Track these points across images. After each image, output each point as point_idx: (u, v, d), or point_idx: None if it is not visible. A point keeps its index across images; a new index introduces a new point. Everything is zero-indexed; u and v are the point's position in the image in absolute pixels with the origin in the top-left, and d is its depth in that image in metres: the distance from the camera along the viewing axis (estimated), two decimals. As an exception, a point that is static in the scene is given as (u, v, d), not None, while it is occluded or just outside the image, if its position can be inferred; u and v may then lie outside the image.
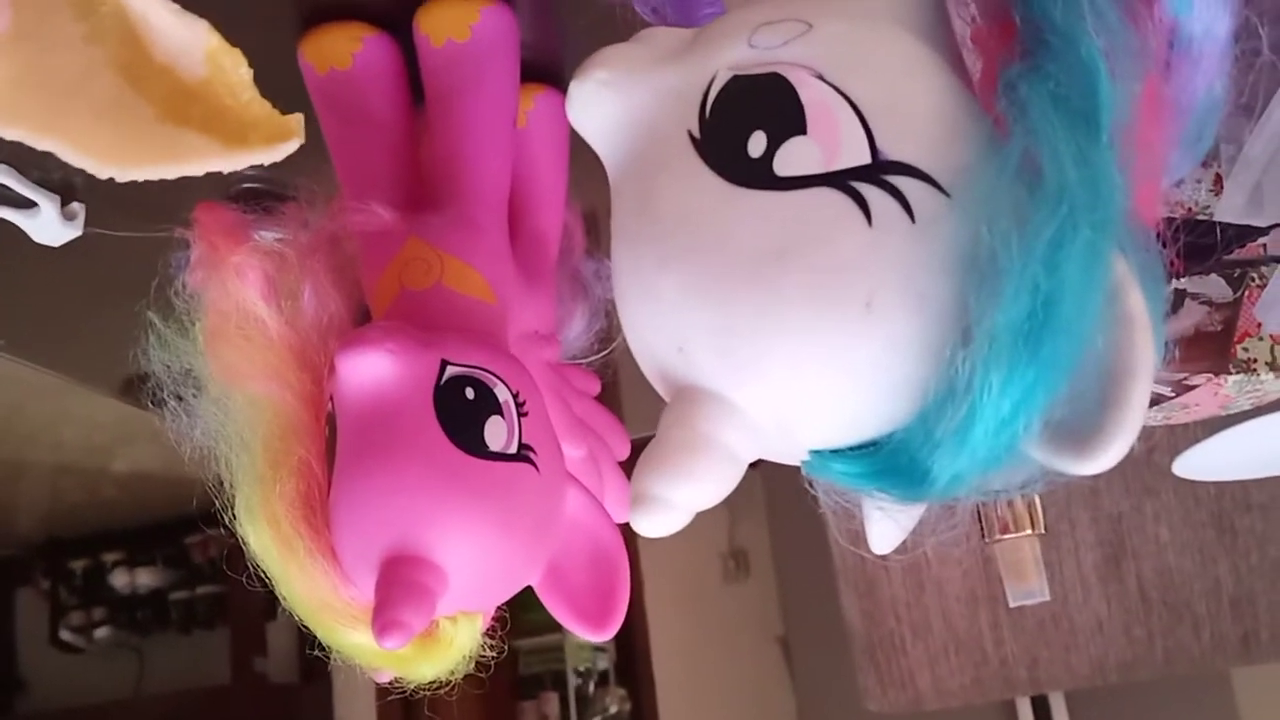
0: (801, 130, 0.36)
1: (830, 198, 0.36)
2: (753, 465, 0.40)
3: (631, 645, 3.86)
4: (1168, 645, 1.57)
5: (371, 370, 0.55)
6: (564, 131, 0.75)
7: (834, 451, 0.39)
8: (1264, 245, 0.71)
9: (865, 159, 0.36)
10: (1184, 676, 1.61)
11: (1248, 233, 0.52)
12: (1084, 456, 0.34)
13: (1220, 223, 0.54)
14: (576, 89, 0.41)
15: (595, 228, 0.82)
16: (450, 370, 0.56)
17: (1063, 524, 1.55)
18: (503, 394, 0.57)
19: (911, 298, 0.35)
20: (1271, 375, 0.83)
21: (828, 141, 0.36)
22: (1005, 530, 0.95)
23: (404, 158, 0.68)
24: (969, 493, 0.37)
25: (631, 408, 0.86)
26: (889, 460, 0.37)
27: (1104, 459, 0.33)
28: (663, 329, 0.38)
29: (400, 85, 0.69)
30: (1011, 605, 0.99)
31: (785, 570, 3.20)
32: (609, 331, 0.82)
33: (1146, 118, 0.37)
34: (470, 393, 0.56)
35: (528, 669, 3.98)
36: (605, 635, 0.62)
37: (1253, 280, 0.78)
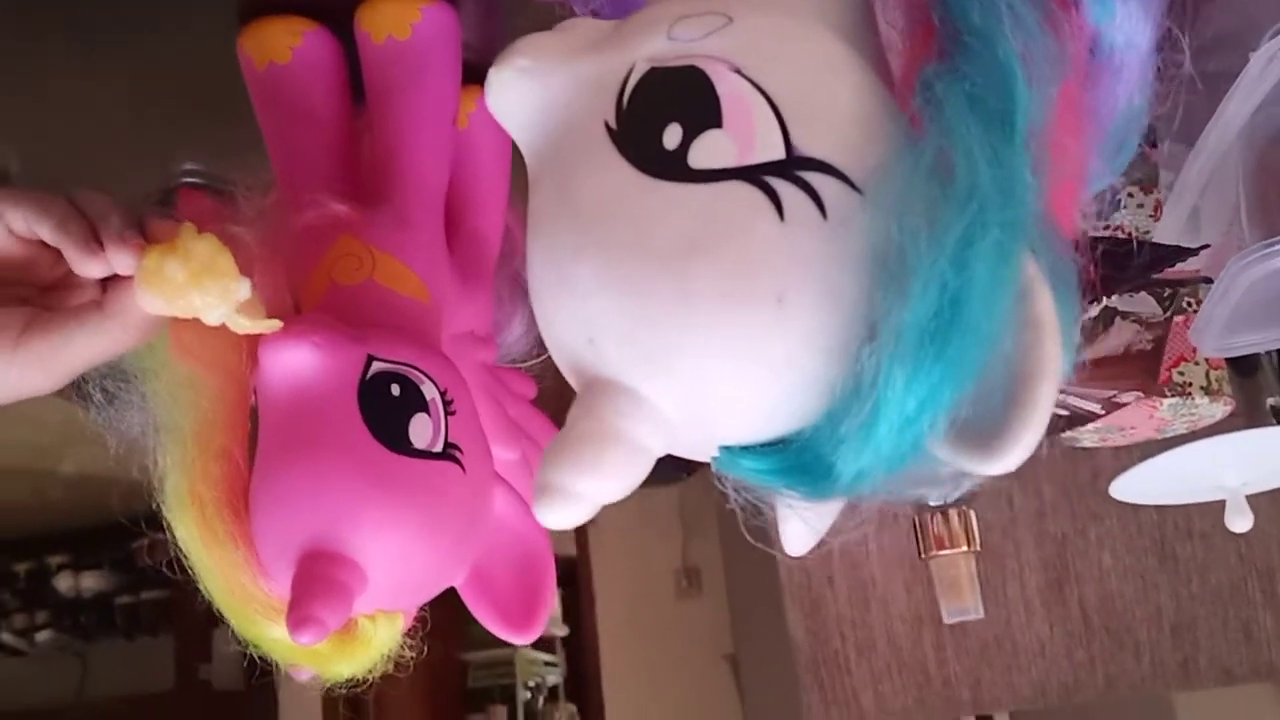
0: (717, 124, 0.36)
1: (743, 192, 0.35)
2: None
3: (582, 660, 3.85)
4: (1109, 669, 1.58)
5: (294, 363, 0.54)
6: (505, 134, 0.75)
7: (744, 448, 0.38)
8: (1199, 270, 0.72)
9: (779, 154, 0.36)
10: (1128, 698, 1.62)
11: (1176, 252, 0.53)
12: (988, 456, 0.33)
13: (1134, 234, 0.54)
14: (495, 76, 0.40)
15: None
16: (376, 366, 0.55)
17: (1007, 546, 1.55)
18: (430, 392, 0.57)
19: (822, 294, 0.35)
20: (1206, 399, 0.84)
21: (742, 136, 0.36)
22: (941, 546, 0.95)
23: (341, 154, 0.67)
24: (875, 491, 0.36)
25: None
26: (796, 457, 0.37)
27: (1008, 459, 0.33)
28: (574, 319, 0.38)
29: (339, 82, 0.68)
30: (946, 621, 0.99)
31: (736, 588, 3.19)
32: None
33: (1063, 123, 0.37)
34: (396, 389, 0.56)
35: (476, 682, 3.95)
36: (528, 638, 0.61)
37: (1188, 305, 0.79)
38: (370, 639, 0.57)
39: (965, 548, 0.94)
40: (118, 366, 0.58)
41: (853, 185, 0.35)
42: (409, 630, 0.60)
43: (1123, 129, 0.41)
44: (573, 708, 4.22)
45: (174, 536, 0.57)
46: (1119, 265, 0.45)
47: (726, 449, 0.39)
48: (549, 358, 0.84)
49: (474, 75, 0.70)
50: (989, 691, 1.61)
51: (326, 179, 0.64)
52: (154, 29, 0.68)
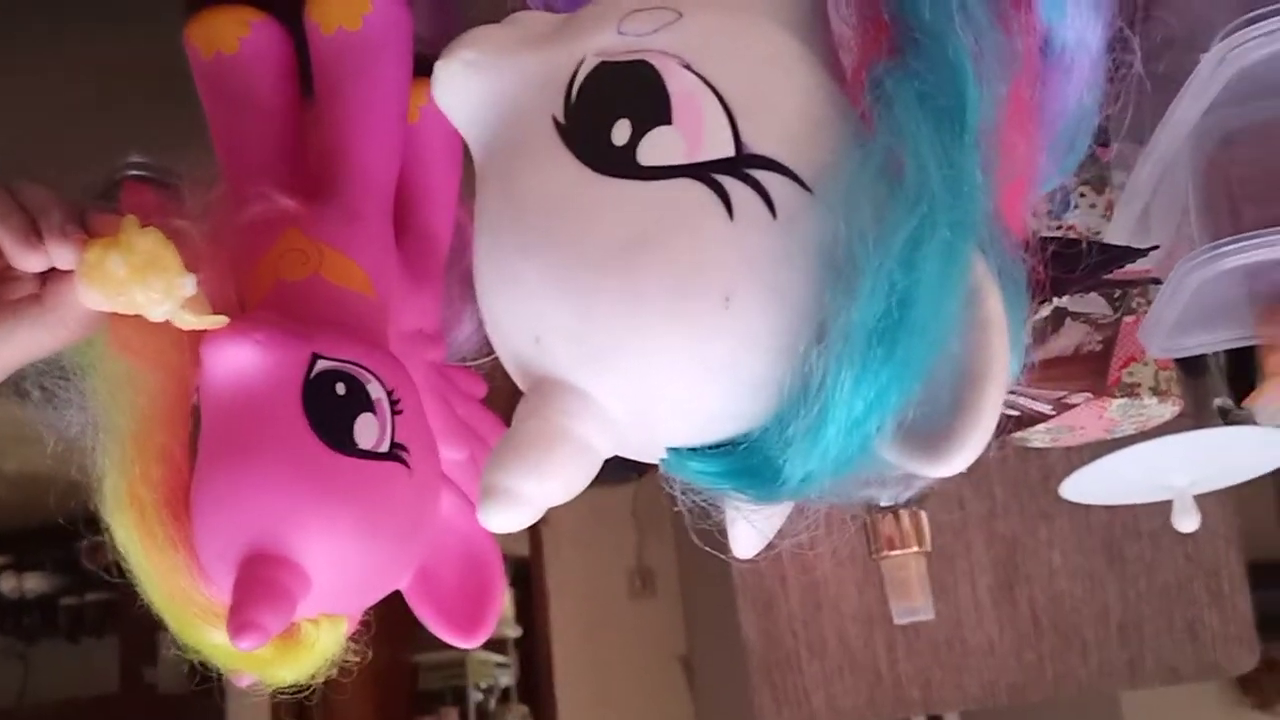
0: (666, 120, 0.35)
1: (692, 189, 0.35)
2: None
3: (534, 662, 3.83)
4: (1057, 669, 1.59)
5: (237, 361, 0.53)
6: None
7: (692, 450, 0.38)
8: (1149, 270, 0.72)
9: (729, 152, 0.35)
10: (1076, 697, 1.63)
11: (1126, 253, 0.53)
12: (936, 458, 0.33)
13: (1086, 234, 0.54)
14: (442, 69, 0.39)
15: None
16: (321, 364, 0.54)
17: (958, 546, 1.56)
18: (376, 391, 0.56)
19: (771, 294, 0.34)
20: (1155, 400, 0.84)
21: (692, 132, 0.35)
22: (891, 547, 0.95)
23: (288, 147, 0.66)
24: (823, 494, 0.36)
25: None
26: (744, 459, 0.36)
27: (955, 461, 0.33)
28: (520, 317, 0.37)
29: (288, 73, 0.67)
30: (896, 622, 0.99)
31: (690, 589, 3.19)
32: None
33: (1013, 121, 0.36)
34: (341, 388, 0.55)
35: (428, 684, 3.92)
36: (474, 643, 0.60)
37: (1138, 306, 0.79)
38: (313, 643, 0.56)
39: (916, 548, 0.94)
40: (56, 363, 0.57)
41: (802, 184, 0.35)
42: (354, 634, 0.59)
43: (1073, 129, 0.41)
44: (525, 709, 4.20)
45: (113, 539, 0.55)
46: (1069, 266, 0.45)
47: (674, 451, 0.38)
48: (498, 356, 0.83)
49: (426, 68, 0.69)
50: (939, 691, 1.62)
51: (273, 172, 0.63)
52: (98, 19, 0.67)
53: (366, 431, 0.55)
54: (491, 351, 0.82)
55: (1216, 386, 1.00)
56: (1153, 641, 1.57)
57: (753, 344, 0.35)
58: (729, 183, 0.35)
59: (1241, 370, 1.01)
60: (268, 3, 0.66)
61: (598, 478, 0.37)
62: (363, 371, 0.56)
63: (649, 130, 0.35)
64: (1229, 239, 0.62)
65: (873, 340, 0.32)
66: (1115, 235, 0.72)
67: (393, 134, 0.65)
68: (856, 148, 0.35)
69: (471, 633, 0.60)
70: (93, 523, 0.57)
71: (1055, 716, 2.19)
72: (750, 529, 0.43)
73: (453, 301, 0.77)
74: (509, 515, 0.35)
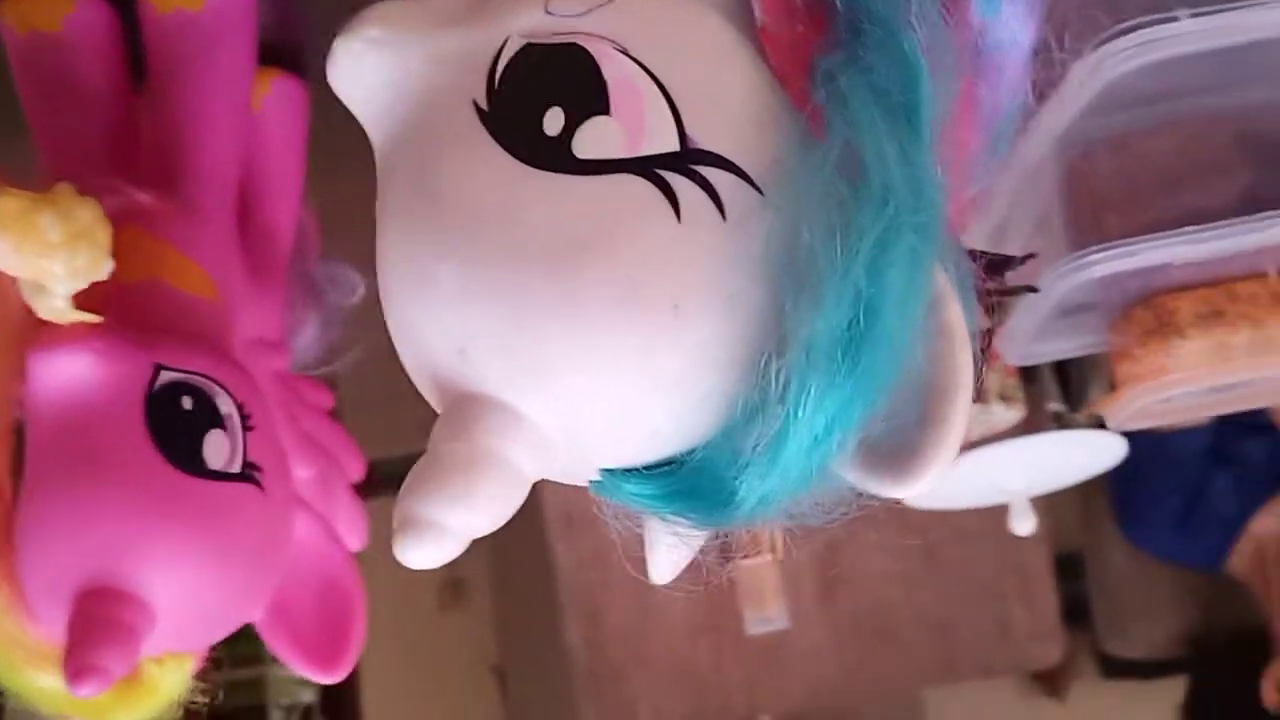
0: (604, 109, 0.32)
1: (635, 186, 0.32)
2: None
3: (338, 677, 3.72)
4: (877, 670, 1.62)
5: (71, 372, 0.47)
6: (302, 121, 0.69)
7: (627, 471, 0.35)
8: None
9: (673, 146, 0.32)
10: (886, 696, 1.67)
11: (1008, 261, 0.52)
12: (901, 477, 0.31)
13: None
14: (342, 47, 0.35)
15: (331, 228, 0.75)
16: (165, 376, 0.49)
17: (783, 551, 1.57)
18: (226, 405, 0.51)
19: (722, 302, 0.32)
20: (1002, 406, 0.86)
21: (633, 123, 0.32)
22: (745, 555, 0.93)
23: (118, 136, 0.60)
24: (776, 516, 0.33)
25: (354, 426, 0.80)
26: (690, 480, 0.33)
27: (922, 480, 0.31)
28: (441, 327, 0.33)
29: (117, 55, 0.61)
30: (749, 633, 0.98)
31: (504, 598, 3.15)
32: (341, 342, 0.76)
33: (962, 120, 0.35)
34: (188, 402, 0.50)
35: (224, 702, 3.76)
36: (336, 676, 0.56)
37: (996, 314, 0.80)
38: (157, 685, 0.51)
39: (770, 556, 0.93)
40: None
41: (752, 184, 0.32)
42: (200, 671, 0.54)
43: (1003, 127, 0.40)
44: (328, 726, 4.07)
45: None
46: (999, 270, 0.44)
47: (608, 472, 0.35)
48: (340, 365, 0.78)
49: (271, 57, 0.65)
50: (763, 696, 1.63)
51: (101, 162, 0.58)
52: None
53: (216, 450, 0.50)
54: (335, 359, 0.77)
55: (1049, 391, 1.03)
56: (967, 640, 1.62)
57: (703, 356, 0.32)
58: (675, 179, 0.32)
59: (1069, 375, 1.05)
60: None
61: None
62: (211, 384, 0.51)
63: (585, 120, 0.32)
64: (1095, 248, 0.63)
65: (837, 352, 0.30)
66: (973, 241, 0.73)
67: (235, 124, 0.60)
68: (808, 147, 0.32)
69: (333, 666, 0.56)
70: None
71: (862, 714, 2.25)
72: (679, 551, 0.40)
73: (294, 306, 0.72)
74: (431, 550, 0.31)
